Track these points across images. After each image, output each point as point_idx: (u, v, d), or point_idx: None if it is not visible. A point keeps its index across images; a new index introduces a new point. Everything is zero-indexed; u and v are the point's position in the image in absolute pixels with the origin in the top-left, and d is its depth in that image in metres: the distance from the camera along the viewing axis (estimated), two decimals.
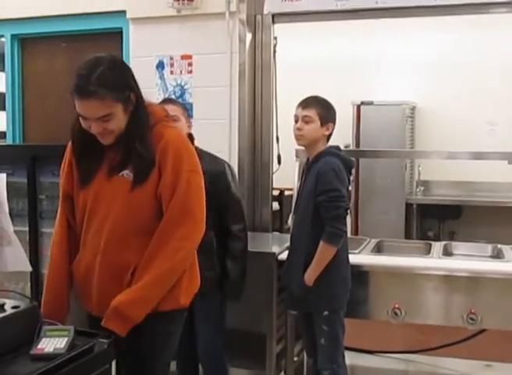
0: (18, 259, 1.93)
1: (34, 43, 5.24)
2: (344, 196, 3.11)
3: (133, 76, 2.34)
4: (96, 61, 2.24)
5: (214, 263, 3.27)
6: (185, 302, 2.43)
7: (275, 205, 4.84)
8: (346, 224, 3.15)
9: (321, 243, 3.10)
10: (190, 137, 3.31)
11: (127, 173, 2.32)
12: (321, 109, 3.22)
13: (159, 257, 2.27)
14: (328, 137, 3.29)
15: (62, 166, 2.49)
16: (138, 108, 2.32)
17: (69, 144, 2.46)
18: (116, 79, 2.23)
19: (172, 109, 3.21)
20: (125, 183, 2.31)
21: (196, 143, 3.32)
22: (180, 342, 2.79)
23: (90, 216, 2.37)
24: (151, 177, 2.31)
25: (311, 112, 3.21)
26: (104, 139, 2.31)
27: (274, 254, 3.68)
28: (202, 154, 3.27)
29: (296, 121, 3.26)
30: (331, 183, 3.09)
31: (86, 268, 2.37)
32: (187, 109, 3.39)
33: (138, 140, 2.30)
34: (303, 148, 3.40)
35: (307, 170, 3.29)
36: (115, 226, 2.32)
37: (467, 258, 3.88)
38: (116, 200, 2.33)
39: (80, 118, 2.26)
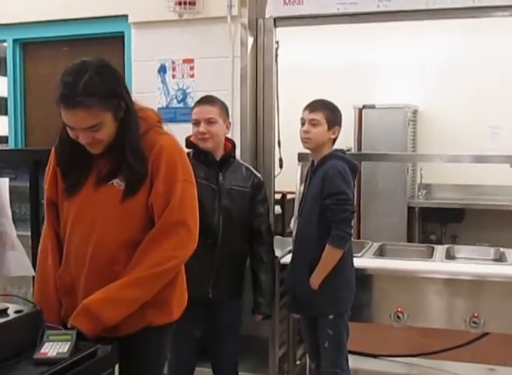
0: (21, 264, 1.93)
1: (36, 47, 5.24)
2: (351, 199, 3.12)
3: (122, 80, 2.23)
4: (82, 66, 2.11)
5: (243, 271, 3.33)
6: (177, 315, 2.37)
7: (277, 209, 4.85)
8: (352, 227, 3.15)
9: (328, 246, 3.10)
10: (233, 144, 3.33)
11: (118, 182, 2.22)
12: (328, 113, 3.23)
13: (145, 263, 2.17)
14: (334, 140, 3.29)
15: (46, 171, 2.40)
16: (128, 115, 2.20)
17: (53, 150, 2.37)
18: (104, 86, 2.10)
19: (208, 111, 3.21)
20: (115, 192, 2.22)
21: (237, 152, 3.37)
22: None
23: (74, 227, 2.27)
24: (143, 187, 2.22)
25: (319, 116, 3.22)
26: (93, 149, 2.20)
27: (276, 257, 3.67)
28: (242, 165, 3.37)
29: (303, 124, 3.26)
30: (338, 187, 3.09)
31: (70, 281, 2.27)
32: (227, 108, 3.34)
33: (130, 149, 2.19)
34: (305, 151, 3.41)
35: (312, 173, 3.29)
36: (102, 239, 2.21)
37: (470, 262, 3.88)
38: (104, 210, 2.23)
39: (68, 128, 2.15)
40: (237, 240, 3.28)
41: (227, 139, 3.33)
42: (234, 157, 3.34)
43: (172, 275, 2.27)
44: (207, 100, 3.27)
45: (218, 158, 3.25)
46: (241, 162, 3.43)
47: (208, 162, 3.22)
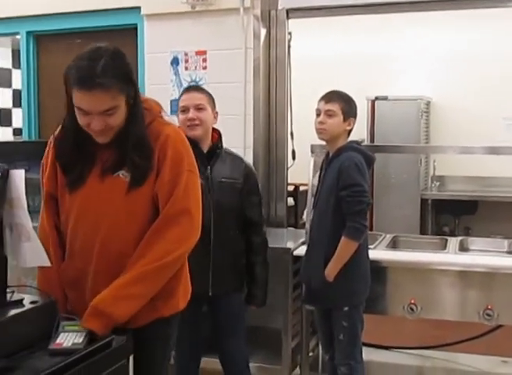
0: (37, 255, 1.94)
1: (49, 40, 5.26)
2: (366, 191, 3.11)
3: (132, 69, 2.23)
4: (98, 50, 2.11)
5: (242, 265, 3.25)
6: (182, 305, 2.38)
7: (290, 201, 4.84)
8: (367, 219, 3.14)
9: (343, 238, 3.09)
10: (219, 135, 3.22)
11: (123, 174, 2.20)
12: (344, 104, 3.22)
13: (149, 256, 2.15)
14: (349, 132, 3.28)
15: (44, 163, 2.34)
16: (136, 104, 2.20)
17: (50, 142, 2.32)
18: (121, 70, 2.10)
19: (197, 98, 3.14)
20: (121, 183, 2.19)
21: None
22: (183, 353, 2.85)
23: (79, 220, 2.23)
24: (148, 177, 2.21)
25: (335, 107, 3.20)
26: (102, 137, 2.16)
27: (289, 249, 3.68)
28: (230, 155, 3.26)
29: (318, 115, 3.24)
30: (354, 178, 3.08)
31: (76, 274, 2.25)
32: (214, 99, 3.24)
33: (136, 140, 2.18)
34: (318, 143, 3.40)
35: (327, 165, 3.27)
36: (111, 231, 2.20)
37: (484, 254, 3.87)
38: (112, 202, 2.21)
39: (79, 114, 2.11)
40: (231, 233, 3.20)
41: (214, 130, 3.23)
42: (221, 147, 3.23)
43: (178, 266, 2.26)
44: (195, 87, 3.27)
45: (205, 151, 3.15)
46: (229, 151, 3.29)
47: (196, 154, 3.15)
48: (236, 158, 3.28)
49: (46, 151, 2.34)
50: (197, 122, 3.10)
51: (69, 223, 2.26)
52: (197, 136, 3.11)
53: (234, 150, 3.36)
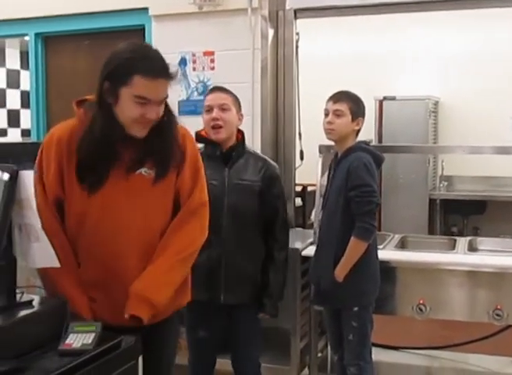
0: (46, 255, 1.95)
1: (58, 41, 5.27)
2: (376, 191, 3.10)
3: None
4: (148, 45, 2.35)
5: (258, 273, 3.15)
6: (188, 300, 2.50)
7: (298, 201, 4.84)
8: (376, 220, 3.13)
9: (352, 238, 3.08)
10: (243, 136, 3.19)
11: (146, 171, 2.25)
12: (352, 104, 3.21)
13: (178, 244, 2.28)
14: (358, 132, 3.27)
15: (45, 166, 2.24)
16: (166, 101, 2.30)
17: (54, 140, 2.24)
18: None
19: (222, 97, 3.10)
20: (145, 180, 2.25)
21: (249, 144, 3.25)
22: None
23: (101, 222, 2.23)
24: (170, 174, 2.29)
25: (343, 107, 3.19)
26: (146, 130, 2.20)
27: (297, 250, 3.68)
28: (253, 156, 3.20)
29: (327, 115, 3.24)
30: (362, 179, 3.07)
31: (102, 276, 2.24)
32: (240, 101, 3.19)
33: (168, 134, 2.27)
34: (327, 143, 3.40)
35: (335, 165, 3.27)
36: (143, 224, 2.25)
37: (493, 254, 3.85)
38: (140, 197, 2.25)
39: (136, 104, 2.13)
40: (248, 237, 3.11)
41: (238, 130, 3.18)
42: (243, 148, 3.17)
43: (196, 256, 2.37)
44: (221, 88, 3.19)
45: (224, 150, 3.12)
46: (254, 152, 3.24)
47: (215, 156, 3.09)
48: (259, 160, 3.18)
49: (43, 154, 2.26)
50: (220, 122, 3.05)
51: (86, 225, 2.24)
52: (220, 139, 3.09)
53: None
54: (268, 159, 3.26)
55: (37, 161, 2.26)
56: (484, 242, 4.13)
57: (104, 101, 2.17)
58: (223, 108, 3.07)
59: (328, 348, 3.81)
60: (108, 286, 2.25)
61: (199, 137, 3.14)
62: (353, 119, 3.21)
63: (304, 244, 3.80)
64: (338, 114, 3.20)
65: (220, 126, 3.06)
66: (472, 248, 3.93)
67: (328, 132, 3.24)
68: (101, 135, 2.17)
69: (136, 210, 2.25)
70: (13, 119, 8.62)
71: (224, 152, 3.11)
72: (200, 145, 3.10)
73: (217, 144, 3.11)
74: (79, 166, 2.21)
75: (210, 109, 3.09)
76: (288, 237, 3.26)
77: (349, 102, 3.21)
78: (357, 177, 3.08)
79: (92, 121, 2.20)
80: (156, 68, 2.14)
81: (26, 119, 7.30)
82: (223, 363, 3.36)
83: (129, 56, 2.15)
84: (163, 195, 2.30)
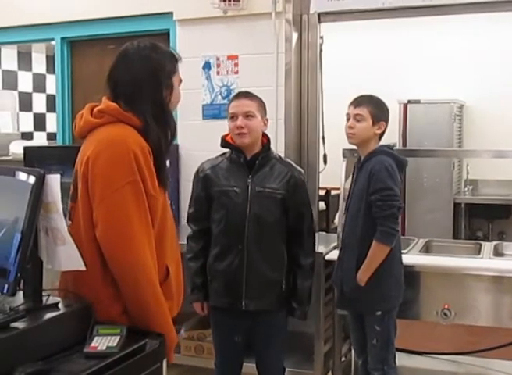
0: (72, 258, 1.96)
1: (83, 45, 5.33)
2: (397, 195, 3.08)
3: None
4: None
5: (282, 280, 3.14)
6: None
7: (322, 205, 4.83)
8: (398, 224, 3.12)
9: (374, 242, 3.07)
10: (268, 141, 3.16)
11: None
12: (372, 108, 3.20)
13: None
14: (381, 135, 3.26)
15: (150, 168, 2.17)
16: None
17: (141, 146, 2.14)
18: None
19: (246, 104, 3.07)
20: None
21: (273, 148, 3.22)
22: None
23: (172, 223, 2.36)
24: None
25: (363, 111, 3.19)
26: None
27: (321, 254, 3.67)
28: (280, 162, 3.17)
29: (348, 119, 3.24)
30: (384, 182, 3.06)
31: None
32: (265, 105, 3.17)
33: None
34: (351, 147, 3.39)
35: (358, 169, 3.26)
36: None
37: None
38: None
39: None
40: (271, 246, 3.10)
41: (263, 135, 3.16)
42: (268, 154, 3.14)
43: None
44: (245, 94, 3.16)
45: (248, 158, 3.10)
46: (279, 158, 3.21)
47: (239, 162, 3.09)
48: (285, 166, 3.15)
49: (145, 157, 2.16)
50: (245, 130, 3.03)
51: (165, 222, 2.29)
52: (245, 144, 3.07)
53: None
54: (294, 165, 3.25)
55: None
56: (510, 247, 4.08)
57: (164, 99, 2.25)
58: (248, 116, 3.05)
59: (352, 352, 3.80)
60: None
61: (224, 142, 3.15)
62: (374, 123, 3.20)
63: (328, 248, 3.79)
64: (358, 119, 3.19)
65: (245, 133, 3.05)
66: (498, 253, 3.89)
67: (349, 136, 3.24)
68: (172, 135, 2.30)
69: None
70: (39, 122, 8.71)
71: (248, 160, 3.10)
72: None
73: (241, 151, 3.10)
74: (158, 167, 2.21)
75: (234, 116, 3.07)
76: (314, 244, 3.26)
77: (369, 106, 3.20)
78: (379, 181, 3.07)
79: (162, 121, 2.24)
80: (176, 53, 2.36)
81: (52, 122, 7.36)
82: (248, 367, 3.37)
83: (165, 51, 2.33)
84: None
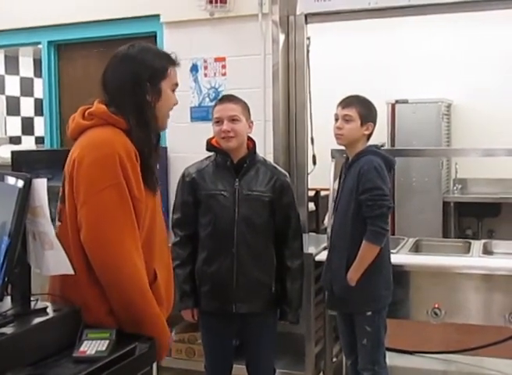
0: (60, 263, 1.95)
1: (70, 49, 5.31)
2: (387, 195, 3.09)
3: None
4: None
5: (271, 282, 3.14)
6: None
7: (311, 206, 4.83)
8: (388, 223, 3.13)
9: (364, 242, 3.08)
10: (254, 144, 3.16)
11: None
12: (361, 108, 3.20)
13: None
14: (369, 136, 3.26)
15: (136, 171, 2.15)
16: None
17: (127, 149, 2.12)
18: None
19: (231, 108, 3.06)
20: None
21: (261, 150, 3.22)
22: None
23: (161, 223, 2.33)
24: None
25: (351, 111, 3.19)
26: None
27: (311, 255, 3.67)
28: (264, 165, 3.18)
29: (337, 120, 3.24)
30: (373, 182, 3.07)
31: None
32: (249, 108, 3.15)
33: None
34: (339, 148, 3.39)
35: (346, 170, 3.27)
36: None
37: (508, 257, 3.82)
38: None
39: (172, 92, 2.33)
40: (260, 249, 3.10)
41: (248, 138, 3.16)
42: (254, 157, 3.15)
43: None
44: (229, 98, 3.15)
45: (236, 161, 3.10)
46: (264, 161, 3.21)
47: (226, 166, 3.09)
48: (270, 169, 3.16)
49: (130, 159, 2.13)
50: (231, 134, 3.03)
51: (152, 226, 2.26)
52: (231, 147, 3.07)
53: None
54: (278, 168, 3.26)
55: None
56: (499, 245, 4.10)
57: (147, 103, 2.21)
58: (233, 120, 3.04)
59: (343, 353, 3.80)
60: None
61: (210, 145, 3.15)
62: (362, 124, 3.20)
63: (318, 249, 3.79)
64: (347, 119, 3.19)
65: (232, 137, 3.05)
66: (487, 251, 3.90)
67: (338, 137, 3.24)
68: (155, 136, 2.31)
69: None
70: (27, 126, 8.67)
71: (235, 163, 3.10)
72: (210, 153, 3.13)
73: (227, 154, 3.10)
74: (144, 170, 2.18)
75: (220, 121, 3.07)
76: (301, 245, 3.25)
77: (358, 107, 3.20)
78: (368, 181, 3.08)
79: (144, 124, 2.20)
80: (173, 57, 2.31)
81: (40, 126, 7.33)
82: (239, 368, 3.35)
83: (158, 53, 2.32)
84: None
